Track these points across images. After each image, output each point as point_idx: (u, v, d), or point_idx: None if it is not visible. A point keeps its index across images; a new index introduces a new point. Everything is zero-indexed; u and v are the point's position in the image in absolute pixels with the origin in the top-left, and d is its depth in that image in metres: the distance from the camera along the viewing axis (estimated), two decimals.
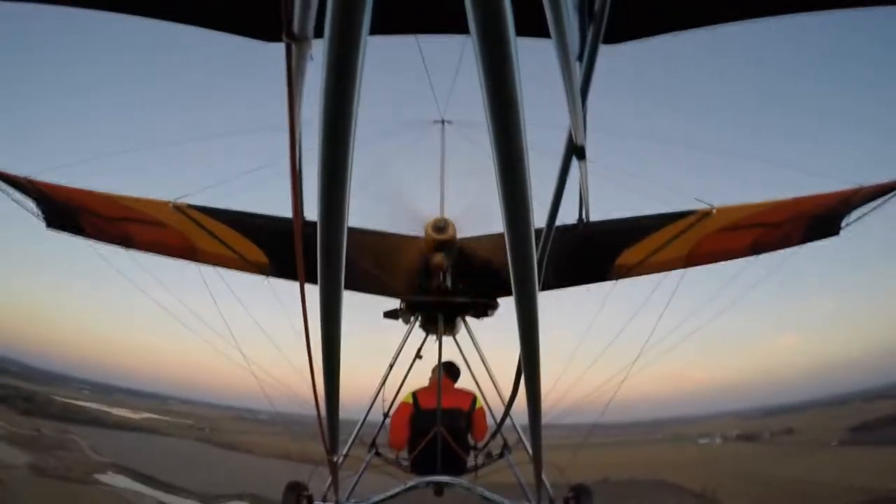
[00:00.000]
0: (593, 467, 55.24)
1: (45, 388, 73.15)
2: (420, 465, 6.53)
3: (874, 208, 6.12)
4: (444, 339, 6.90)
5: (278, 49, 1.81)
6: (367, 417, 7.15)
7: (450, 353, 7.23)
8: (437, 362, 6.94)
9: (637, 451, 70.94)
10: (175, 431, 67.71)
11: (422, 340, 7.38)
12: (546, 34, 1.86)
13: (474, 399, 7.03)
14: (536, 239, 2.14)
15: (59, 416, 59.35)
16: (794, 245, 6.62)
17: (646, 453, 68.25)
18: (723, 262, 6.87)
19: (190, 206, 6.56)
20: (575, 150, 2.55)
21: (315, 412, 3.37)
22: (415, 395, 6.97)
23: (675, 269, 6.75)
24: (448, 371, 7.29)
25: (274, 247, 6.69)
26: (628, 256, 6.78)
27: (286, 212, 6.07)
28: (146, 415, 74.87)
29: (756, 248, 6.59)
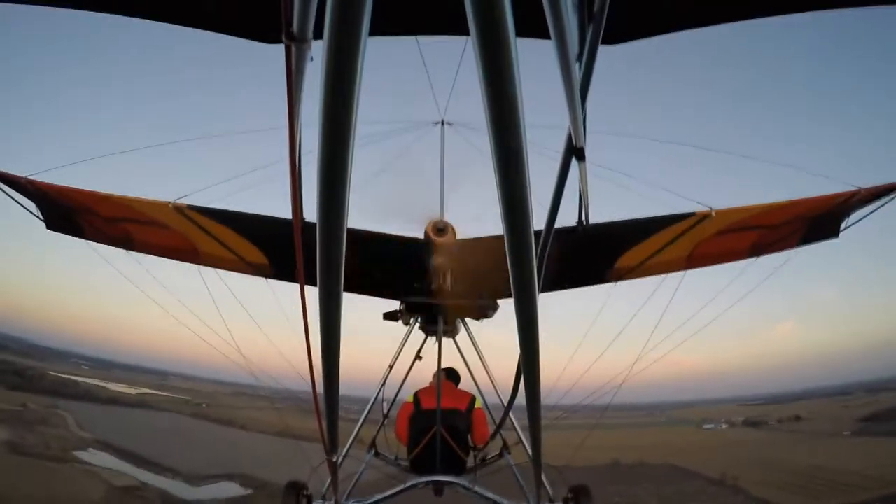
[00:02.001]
0: (601, 449, 54.08)
1: (42, 363, 71.23)
2: (419, 465, 6.28)
3: (873, 210, 6.02)
4: (444, 340, 6.71)
5: (279, 50, 1.75)
6: (367, 417, 7.23)
7: (449, 354, 7.11)
8: (436, 364, 6.69)
9: (640, 434, 68.80)
10: (170, 407, 65.37)
11: (422, 342, 7.17)
12: (546, 35, 1.85)
13: (472, 399, 6.79)
14: (536, 241, 2.09)
15: (49, 391, 56.81)
16: (793, 247, 6.42)
17: (651, 437, 66.28)
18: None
19: (190, 206, 6.28)
20: (574, 152, 2.54)
21: (314, 413, 3.35)
22: (416, 395, 6.80)
23: (674, 271, 6.56)
24: (448, 375, 7.06)
25: (274, 248, 6.46)
26: (627, 259, 6.59)
27: (286, 213, 5.83)
28: (143, 390, 72.99)
29: (755, 250, 6.43)
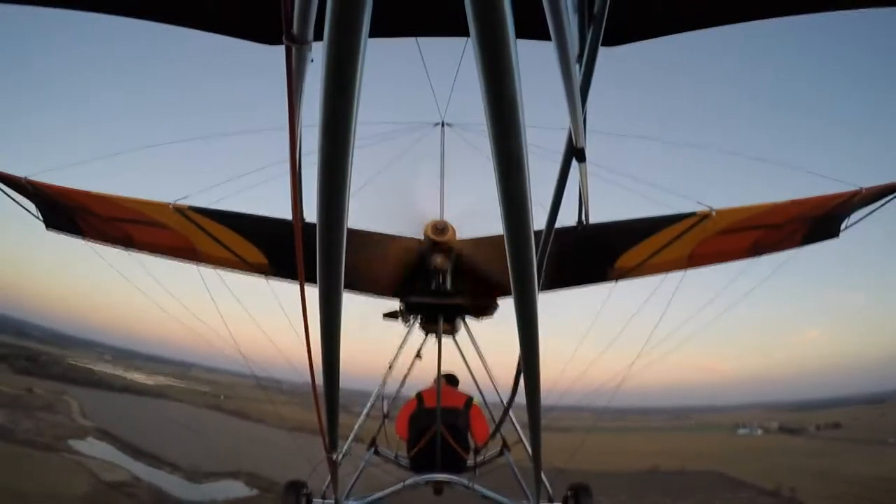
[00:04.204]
0: (639, 454, 50.54)
1: (63, 351, 69.69)
2: (419, 463, 6.25)
3: (874, 210, 5.90)
4: (444, 339, 6.62)
5: (279, 51, 1.74)
6: (367, 417, 7.16)
7: (449, 354, 6.96)
8: (436, 364, 6.66)
9: (673, 438, 66.72)
10: (187, 398, 62.21)
11: (422, 341, 7.03)
12: (546, 36, 1.85)
13: (469, 399, 6.71)
14: (536, 241, 2.05)
15: (60, 377, 54.15)
16: (794, 247, 6.31)
17: (683, 442, 62.72)
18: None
19: (190, 207, 6.26)
20: (575, 152, 2.54)
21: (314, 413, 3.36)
22: (420, 394, 6.73)
23: (675, 270, 6.43)
24: (448, 382, 7.00)
25: (274, 248, 6.39)
26: (628, 258, 6.50)
27: (286, 213, 6.03)
28: (162, 380, 71.03)
29: (756, 250, 6.31)
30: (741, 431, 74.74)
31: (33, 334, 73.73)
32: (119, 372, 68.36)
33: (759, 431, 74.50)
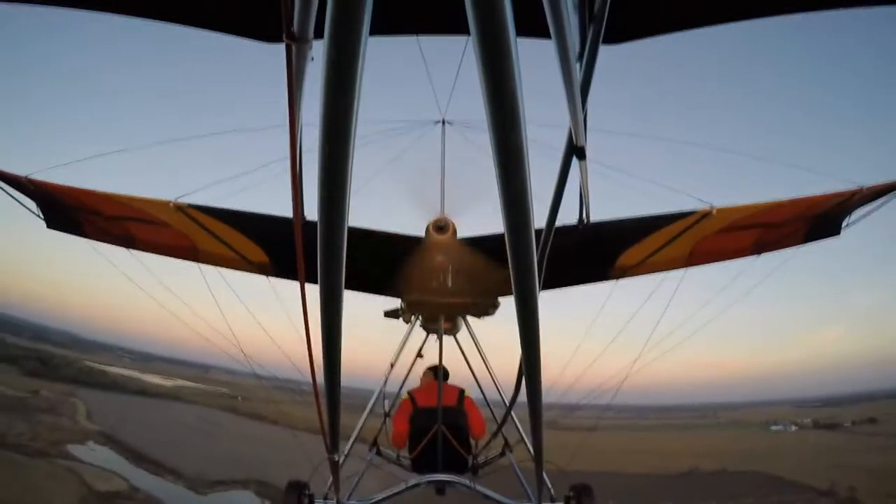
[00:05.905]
0: (673, 454, 47.14)
1: (80, 354, 67.84)
2: (421, 463, 6.19)
3: (875, 209, 5.81)
4: (445, 338, 6.61)
5: (279, 49, 1.72)
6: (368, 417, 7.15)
7: (451, 353, 6.98)
8: (429, 362, 6.85)
9: (703, 437, 63.01)
10: (202, 400, 59.89)
11: (423, 340, 7.05)
12: (546, 34, 1.82)
13: (461, 392, 6.65)
14: (536, 239, 2.05)
15: (71, 380, 51.90)
16: (795, 245, 6.24)
17: (717, 441, 59.19)
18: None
19: (190, 205, 6.06)
20: (575, 150, 2.48)
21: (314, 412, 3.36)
22: (411, 394, 6.68)
23: (675, 268, 6.38)
24: (437, 374, 6.76)
25: (275, 246, 6.25)
26: (629, 256, 6.40)
27: (287, 212, 5.60)
28: (179, 382, 68.98)
29: (757, 248, 6.25)
30: (774, 428, 71.85)
31: (51, 338, 72.12)
32: (135, 374, 66.30)
33: (794, 428, 71.50)
